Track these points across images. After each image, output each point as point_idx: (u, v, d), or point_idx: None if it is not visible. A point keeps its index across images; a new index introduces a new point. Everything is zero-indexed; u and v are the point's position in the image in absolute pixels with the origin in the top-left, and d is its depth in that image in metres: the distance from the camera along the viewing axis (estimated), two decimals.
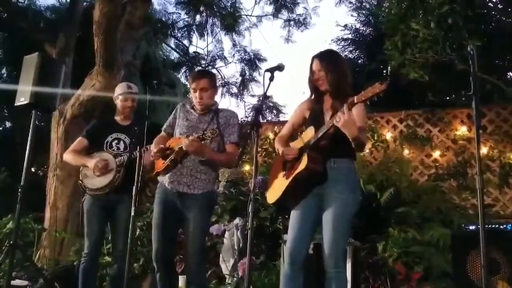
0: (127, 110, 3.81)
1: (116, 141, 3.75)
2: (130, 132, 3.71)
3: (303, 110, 2.97)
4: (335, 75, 2.75)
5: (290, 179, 2.68)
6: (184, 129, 3.22)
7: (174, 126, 3.33)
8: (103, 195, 3.61)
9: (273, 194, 2.82)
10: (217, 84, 3.39)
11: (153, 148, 3.22)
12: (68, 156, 3.84)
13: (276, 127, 8.13)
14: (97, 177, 3.61)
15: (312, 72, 2.84)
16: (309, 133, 2.73)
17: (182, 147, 3.02)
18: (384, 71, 8.25)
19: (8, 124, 12.21)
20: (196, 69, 11.00)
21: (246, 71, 11.60)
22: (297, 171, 2.63)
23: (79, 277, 3.57)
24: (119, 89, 3.85)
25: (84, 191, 3.71)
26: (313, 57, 2.86)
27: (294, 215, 2.76)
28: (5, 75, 11.27)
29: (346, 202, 2.62)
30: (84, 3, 8.31)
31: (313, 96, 2.91)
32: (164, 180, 3.20)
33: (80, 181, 3.73)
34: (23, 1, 9.39)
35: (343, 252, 2.68)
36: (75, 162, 3.83)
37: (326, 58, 2.83)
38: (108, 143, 3.74)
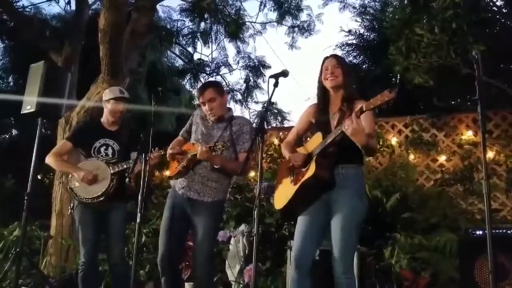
0: (118, 115, 3.72)
1: (104, 147, 3.67)
2: (119, 138, 3.67)
3: (309, 115, 2.96)
4: (349, 75, 2.83)
5: (298, 185, 2.66)
6: (198, 135, 3.27)
7: (191, 132, 3.39)
8: (96, 203, 3.52)
9: (281, 200, 2.81)
10: (224, 91, 3.37)
11: (169, 150, 3.30)
12: (50, 160, 3.66)
13: (281, 132, 8.15)
14: (89, 186, 3.50)
15: (325, 68, 2.83)
16: (316, 139, 2.71)
17: (195, 154, 3.06)
18: (393, 79, 8.20)
19: (14, 131, 12.29)
20: (201, 79, 11.06)
21: (251, 78, 11.59)
22: (305, 178, 2.62)
23: (80, 285, 3.51)
24: (111, 93, 3.74)
25: (76, 199, 3.58)
26: (329, 56, 2.89)
27: (301, 220, 2.75)
28: (11, 84, 11.35)
29: (355, 208, 2.61)
30: (90, 11, 8.36)
31: (318, 100, 2.91)
32: (176, 184, 3.26)
33: (70, 188, 3.60)
34: (29, 10, 9.44)
35: (352, 258, 2.67)
36: (57, 167, 3.74)
37: (342, 59, 2.91)
38: (96, 149, 3.65)
